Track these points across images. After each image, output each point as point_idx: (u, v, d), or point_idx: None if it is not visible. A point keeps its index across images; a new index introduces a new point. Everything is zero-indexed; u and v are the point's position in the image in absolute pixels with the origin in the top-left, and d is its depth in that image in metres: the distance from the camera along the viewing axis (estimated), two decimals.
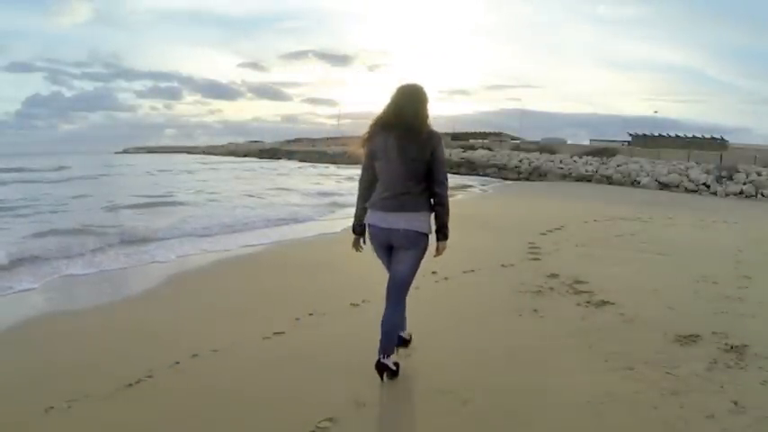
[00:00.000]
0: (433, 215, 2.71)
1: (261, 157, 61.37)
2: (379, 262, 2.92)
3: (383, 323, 2.75)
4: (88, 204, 12.79)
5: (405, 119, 2.60)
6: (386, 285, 2.79)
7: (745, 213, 12.53)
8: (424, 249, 2.70)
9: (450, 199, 2.75)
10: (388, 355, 2.77)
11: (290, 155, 58.30)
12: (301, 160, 49.12)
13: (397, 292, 2.76)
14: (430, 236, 2.69)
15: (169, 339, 3.57)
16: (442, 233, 2.72)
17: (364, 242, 2.88)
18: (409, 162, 2.59)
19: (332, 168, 35.42)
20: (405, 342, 3.23)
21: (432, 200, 2.68)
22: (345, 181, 22.27)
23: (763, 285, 4.97)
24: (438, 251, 2.77)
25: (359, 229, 2.85)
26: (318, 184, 21.34)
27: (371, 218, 2.72)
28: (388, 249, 2.75)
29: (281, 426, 2.45)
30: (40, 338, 3.72)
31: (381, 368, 2.76)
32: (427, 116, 2.68)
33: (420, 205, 2.64)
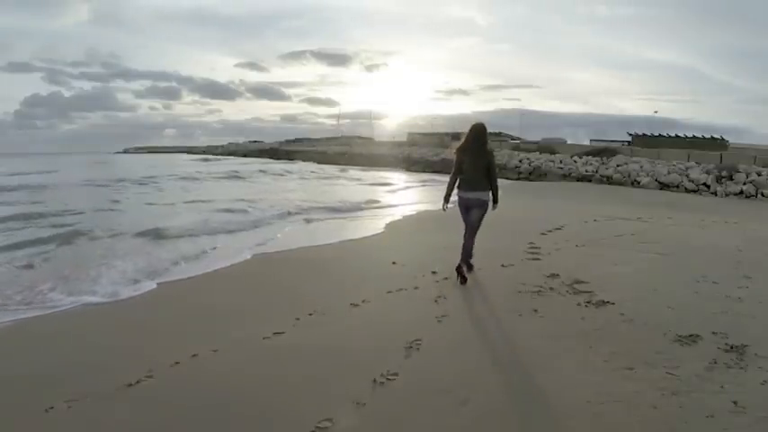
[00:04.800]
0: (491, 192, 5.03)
1: (262, 157, 61.06)
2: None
3: (465, 246, 5.07)
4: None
5: (475, 146, 4.96)
6: (463, 233, 5.08)
7: (745, 213, 12.52)
8: (486, 209, 5.00)
9: (449, 203, 5.16)
10: (466, 262, 5.10)
11: (289, 155, 58.08)
12: (319, 162, 45.31)
13: (473, 230, 5.06)
14: (489, 203, 5.03)
15: (169, 339, 3.58)
16: (495, 202, 5.05)
17: (446, 207, 5.14)
18: (478, 167, 4.93)
19: (337, 169, 33.16)
20: (471, 267, 5.22)
21: (490, 185, 4.98)
22: (389, 191, 17.97)
23: (763, 285, 4.96)
24: (493, 208, 5.08)
25: (446, 199, 5.13)
26: (372, 192, 17.00)
27: (461, 193, 5.02)
28: (467, 210, 5.02)
29: (281, 426, 2.46)
30: (40, 339, 3.72)
31: (464, 269, 5.05)
32: (486, 141, 5.03)
33: (484, 187, 4.96)
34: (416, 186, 20.44)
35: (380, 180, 23.11)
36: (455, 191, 5.08)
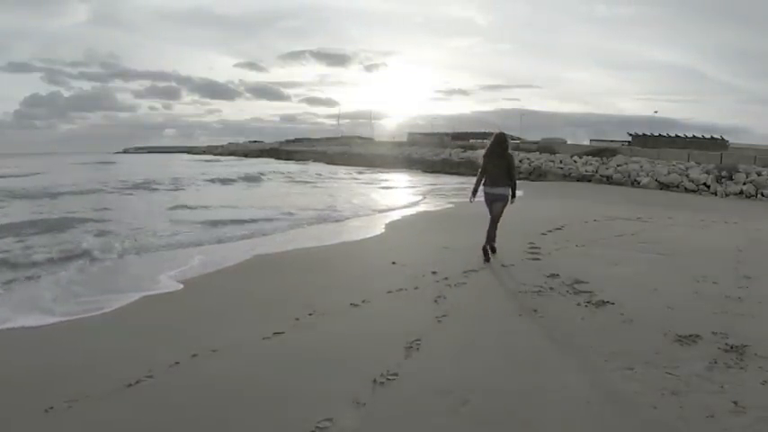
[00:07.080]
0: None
1: (263, 157, 60.88)
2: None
3: (489, 231, 6.04)
4: None
5: (498, 150, 6.05)
6: (489, 220, 6.09)
7: (745, 213, 12.51)
8: (506, 202, 6.02)
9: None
10: (490, 244, 6.03)
11: (290, 155, 57.96)
12: (328, 163, 43.69)
13: (495, 219, 6.07)
14: (509, 197, 6.04)
15: (169, 339, 3.57)
16: (513, 196, 6.05)
17: (472, 200, 6.21)
18: (500, 168, 5.97)
19: (341, 170, 32.29)
20: (495, 249, 6.11)
21: (509, 182, 6.00)
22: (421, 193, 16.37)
23: (764, 285, 4.96)
24: (511, 202, 6.09)
25: (474, 194, 6.16)
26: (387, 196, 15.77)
27: (486, 189, 6.04)
28: (491, 202, 6.04)
29: (282, 426, 2.45)
30: (41, 339, 3.72)
31: (489, 250, 6.00)
32: (508, 147, 6.17)
33: (505, 184, 5.97)
34: (447, 186, 18.88)
35: (421, 183, 21.15)
36: (481, 187, 6.11)
